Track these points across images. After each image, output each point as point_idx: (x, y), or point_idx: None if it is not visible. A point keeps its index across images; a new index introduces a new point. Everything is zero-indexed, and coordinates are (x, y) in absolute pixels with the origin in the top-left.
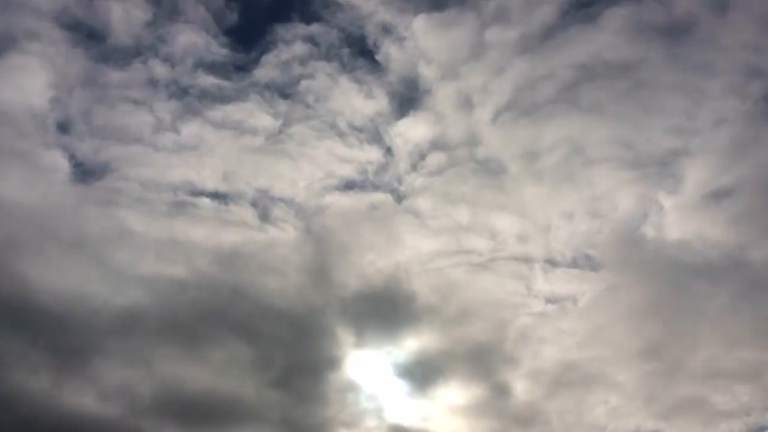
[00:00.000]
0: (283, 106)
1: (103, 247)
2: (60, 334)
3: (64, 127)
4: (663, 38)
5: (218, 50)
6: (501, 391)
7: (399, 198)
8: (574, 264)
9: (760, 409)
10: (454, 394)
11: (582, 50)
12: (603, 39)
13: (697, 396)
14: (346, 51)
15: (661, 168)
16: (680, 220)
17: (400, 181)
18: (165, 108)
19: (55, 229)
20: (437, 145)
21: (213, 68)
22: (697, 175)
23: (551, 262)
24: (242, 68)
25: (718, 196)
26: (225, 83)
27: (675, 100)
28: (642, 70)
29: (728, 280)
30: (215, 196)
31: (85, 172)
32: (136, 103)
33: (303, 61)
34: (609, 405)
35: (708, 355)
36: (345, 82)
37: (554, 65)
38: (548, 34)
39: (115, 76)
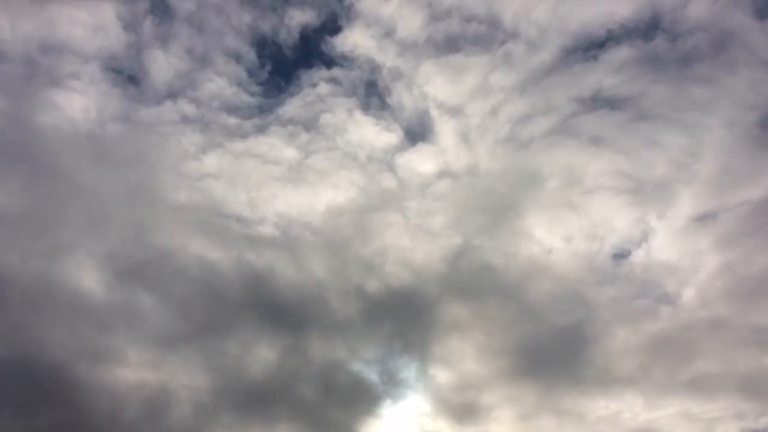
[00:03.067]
0: (304, 137)
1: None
2: None
3: (99, 156)
4: (662, 74)
5: (248, 98)
6: None
7: (408, 219)
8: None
9: None
10: None
11: (583, 85)
12: (603, 76)
13: None
14: (362, 90)
15: (656, 194)
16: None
17: (409, 205)
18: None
19: None
20: (442, 174)
21: (239, 110)
22: (689, 200)
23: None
24: (267, 110)
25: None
26: (247, 122)
27: (672, 133)
28: (641, 103)
29: None
30: (239, 220)
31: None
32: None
33: (323, 98)
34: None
35: None
36: (360, 116)
37: (555, 99)
38: (550, 71)
39: (147, 113)
